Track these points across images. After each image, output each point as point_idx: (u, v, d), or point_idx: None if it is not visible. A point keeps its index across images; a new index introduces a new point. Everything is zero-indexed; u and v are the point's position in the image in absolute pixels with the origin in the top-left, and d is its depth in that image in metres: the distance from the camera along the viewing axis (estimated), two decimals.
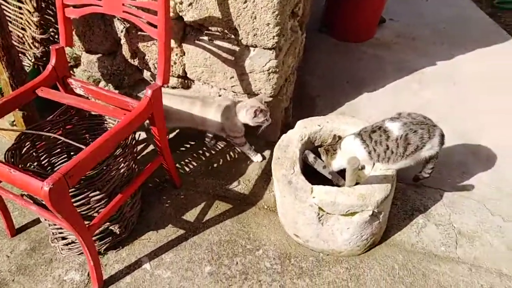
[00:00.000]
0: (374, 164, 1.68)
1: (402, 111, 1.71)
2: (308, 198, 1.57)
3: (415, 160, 1.67)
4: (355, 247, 1.70)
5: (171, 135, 2.39)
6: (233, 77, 1.99)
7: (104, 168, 1.55)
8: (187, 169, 2.19)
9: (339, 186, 1.66)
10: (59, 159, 1.90)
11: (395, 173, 1.65)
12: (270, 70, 1.89)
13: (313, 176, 1.73)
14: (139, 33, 2.01)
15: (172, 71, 2.10)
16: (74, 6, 1.74)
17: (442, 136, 1.67)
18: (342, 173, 1.60)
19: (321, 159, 1.81)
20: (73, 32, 2.04)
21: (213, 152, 2.28)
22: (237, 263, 1.75)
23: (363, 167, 1.78)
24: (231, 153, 2.26)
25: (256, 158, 2.18)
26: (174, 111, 2.02)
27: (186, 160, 2.23)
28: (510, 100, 2.53)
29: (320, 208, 1.57)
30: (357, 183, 1.59)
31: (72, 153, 1.91)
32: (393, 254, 1.76)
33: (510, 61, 2.90)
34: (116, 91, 2.34)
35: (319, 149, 1.83)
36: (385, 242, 1.81)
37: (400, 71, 2.84)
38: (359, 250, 1.74)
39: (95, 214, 1.61)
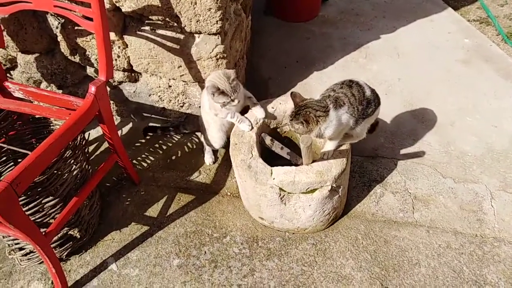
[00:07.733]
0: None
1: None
2: (268, 180, 1.58)
3: (368, 124, 1.69)
4: (319, 223, 1.75)
5: (124, 131, 2.32)
6: (181, 66, 1.94)
7: (55, 172, 1.49)
8: (145, 164, 2.14)
9: (297, 165, 1.68)
10: (6, 168, 1.82)
11: (349, 147, 1.69)
12: (218, 56, 1.86)
13: (270, 158, 1.74)
14: (76, 27, 1.91)
15: (116, 64, 2.02)
16: (1, 5, 1.64)
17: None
18: (299, 151, 1.62)
19: (277, 141, 1.78)
20: (4, 33, 1.91)
21: (170, 144, 2.24)
22: (205, 252, 1.75)
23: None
24: (189, 144, 2.23)
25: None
26: None
27: (143, 155, 2.19)
28: (449, 66, 2.65)
29: (281, 189, 1.58)
30: (314, 161, 1.61)
31: (19, 160, 1.82)
32: (356, 225, 1.82)
33: (448, 28, 3.03)
34: (60, 91, 2.24)
35: (293, 119, 1.55)
36: (347, 214, 1.87)
37: (347, 46, 2.89)
38: (323, 225, 1.78)
39: (51, 221, 1.56)
